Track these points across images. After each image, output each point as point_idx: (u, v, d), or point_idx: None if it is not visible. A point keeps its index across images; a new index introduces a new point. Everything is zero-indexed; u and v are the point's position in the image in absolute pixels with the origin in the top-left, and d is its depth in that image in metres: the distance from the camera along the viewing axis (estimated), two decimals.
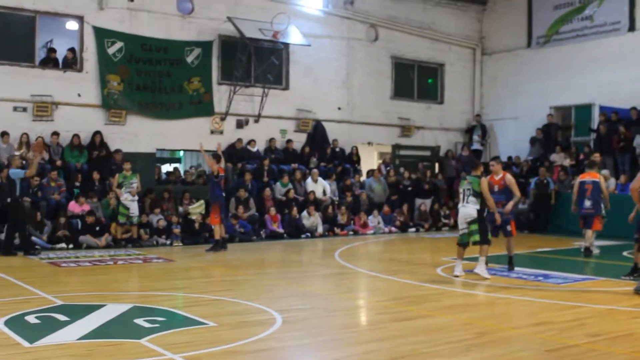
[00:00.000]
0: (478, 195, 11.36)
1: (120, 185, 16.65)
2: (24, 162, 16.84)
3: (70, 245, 15.69)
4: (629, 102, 20.77)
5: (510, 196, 12.03)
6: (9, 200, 14.44)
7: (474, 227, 11.34)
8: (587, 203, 14.55)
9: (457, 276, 11.49)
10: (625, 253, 15.05)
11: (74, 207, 16.52)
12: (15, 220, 14.42)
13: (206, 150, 16.80)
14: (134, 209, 16.57)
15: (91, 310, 8.46)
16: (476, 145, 25.05)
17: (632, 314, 8.70)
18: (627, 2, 21.80)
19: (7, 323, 7.74)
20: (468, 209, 11.39)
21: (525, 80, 24.36)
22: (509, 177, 12.19)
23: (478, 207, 11.35)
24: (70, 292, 10.07)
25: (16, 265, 13.22)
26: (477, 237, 11.36)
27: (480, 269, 11.36)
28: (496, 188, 12.02)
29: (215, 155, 15.81)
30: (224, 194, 15.98)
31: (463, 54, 25.93)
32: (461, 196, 11.57)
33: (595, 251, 15.07)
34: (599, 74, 22.15)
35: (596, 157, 16.20)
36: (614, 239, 17.41)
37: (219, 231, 15.66)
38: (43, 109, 17.72)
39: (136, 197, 16.70)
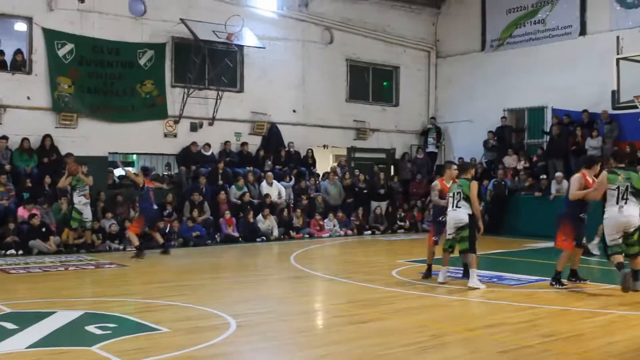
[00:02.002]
0: (469, 199, 10.93)
1: (74, 189, 16.31)
2: None
3: (20, 252, 15.35)
4: (581, 105, 21.10)
5: None
6: None
7: (464, 233, 10.88)
8: None
9: (442, 283, 11.03)
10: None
11: (22, 212, 16.17)
12: None
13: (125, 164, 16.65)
14: (87, 213, 16.28)
15: (41, 318, 8.28)
16: (431, 148, 25.22)
17: (584, 314, 8.80)
18: (578, 7, 22.15)
19: None
20: (458, 214, 10.92)
21: (480, 83, 24.61)
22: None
23: (470, 211, 10.91)
24: (20, 299, 9.85)
25: None
26: (465, 245, 10.91)
27: (474, 282, 10.75)
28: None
29: (143, 168, 15.97)
30: (154, 206, 15.76)
31: (418, 57, 26.09)
32: (450, 200, 11.08)
33: (596, 252, 15.05)
34: (551, 77, 22.46)
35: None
36: None
37: (136, 238, 15.41)
38: None
39: (89, 201, 16.42)
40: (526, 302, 9.66)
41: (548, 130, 22.16)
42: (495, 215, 20.94)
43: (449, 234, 11.16)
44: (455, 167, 11.98)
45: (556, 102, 22.16)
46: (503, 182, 20.99)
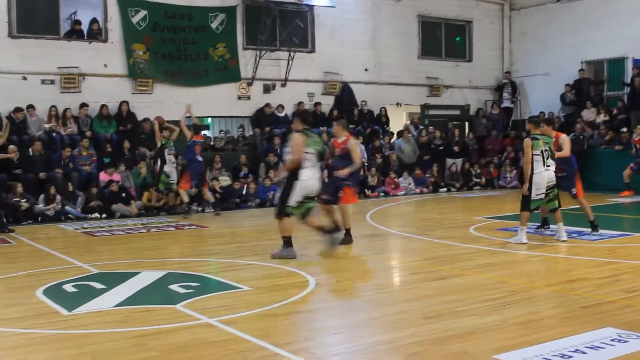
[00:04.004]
0: (554, 156, 10.73)
1: (164, 147, 16.48)
2: (54, 134, 17.08)
3: (104, 215, 15.86)
4: None
5: (350, 162, 10.85)
6: None
7: (555, 192, 10.72)
8: None
9: (525, 244, 10.59)
10: None
11: (104, 177, 16.66)
12: None
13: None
14: (174, 176, 16.63)
15: (126, 278, 8.58)
16: (506, 103, 24.77)
17: None
18: None
19: (45, 292, 7.89)
20: (552, 173, 10.61)
21: (555, 35, 23.91)
22: (352, 142, 11.02)
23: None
24: (105, 260, 10.20)
25: (52, 236, 13.44)
26: (556, 204, 10.79)
27: (562, 233, 10.74)
28: (337, 152, 10.97)
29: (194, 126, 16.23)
30: (199, 159, 15.95)
31: (491, 10, 25.50)
32: (539, 157, 10.51)
33: None
34: (631, 26, 21.63)
35: None
36: None
37: (185, 195, 15.76)
38: (70, 80, 17.82)
39: (175, 162, 16.77)
40: (608, 257, 9.48)
41: (628, 81, 21.42)
42: None
43: (540, 194, 10.57)
44: (339, 122, 11.32)
45: (637, 52, 21.36)
46: (582, 137, 20.46)
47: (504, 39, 25.77)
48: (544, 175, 10.58)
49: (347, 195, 11.01)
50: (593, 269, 8.67)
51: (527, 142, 10.63)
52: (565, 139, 11.53)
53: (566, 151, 11.25)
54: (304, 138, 9.75)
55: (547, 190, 10.65)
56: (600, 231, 11.46)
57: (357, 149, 10.94)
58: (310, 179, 9.74)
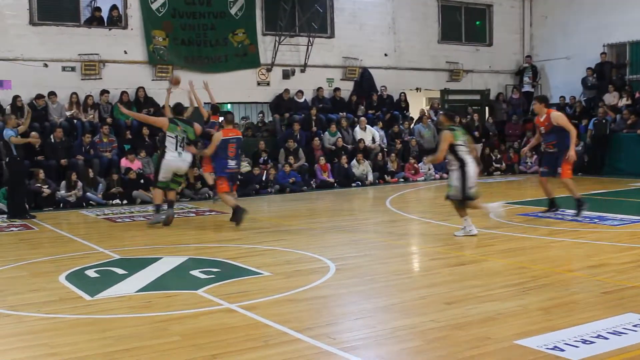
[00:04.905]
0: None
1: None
2: (75, 121, 17.19)
3: (125, 201, 15.95)
4: None
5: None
6: (6, 160, 13.65)
7: None
8: None
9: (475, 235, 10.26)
10: None
11: (125, 163, 16.75)
12: (12, 181, 13.63)
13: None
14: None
15: (148, 264, 8.64)
16: (527, 87, 24.60)
17: None
18: None
19: (68, 277, 7.98)
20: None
21: (577, 18, 23.66)
22: (215, 134, 11.98)
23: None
24: (127, 246, 10.29)
25: (74, 222, 13.55)
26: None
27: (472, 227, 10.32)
28: None
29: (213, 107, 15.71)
30: None
31: None
32: (464, 148, 10.12)
33: None
34: None
35: None
36: None
37: (210, 178, 15.58)
38: (91, 67, 17.92)
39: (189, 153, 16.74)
40: (630, 242, 9.41)
41: None
42: (597, 155, 20.33)
43: (473, 186, 10.22)
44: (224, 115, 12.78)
45: None
46: (604, 121, 20.27)
47: (524, 22, 25.55)
48: (473, 167, 10.15)
49: (217, 184, 12.37)
50: (615, 254, 8.61)
51: (447, 134, 10.06)
52: (558, 116, 11.45)
53: (572, 130, 11.33)
54: (166, 124, 11.88)
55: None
56: (623, 216, 11.37)
57: (214, 142, 11.87)
58: (174, 159, 11.87)
